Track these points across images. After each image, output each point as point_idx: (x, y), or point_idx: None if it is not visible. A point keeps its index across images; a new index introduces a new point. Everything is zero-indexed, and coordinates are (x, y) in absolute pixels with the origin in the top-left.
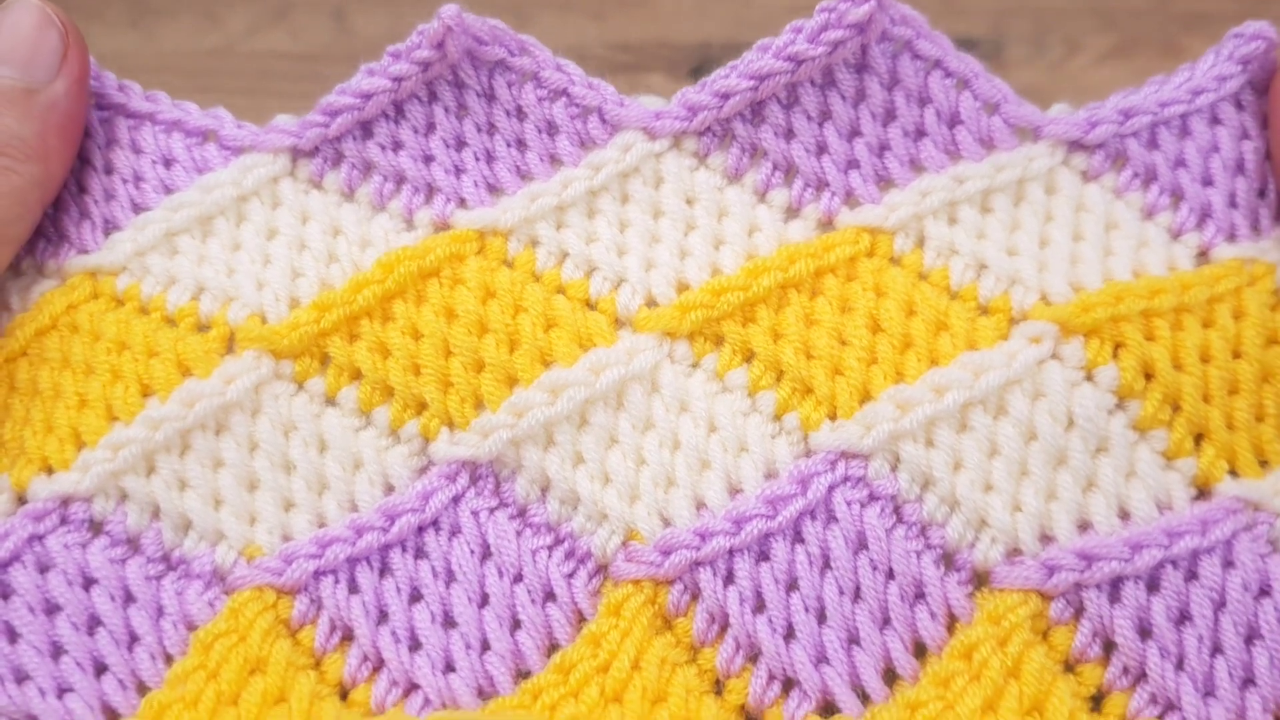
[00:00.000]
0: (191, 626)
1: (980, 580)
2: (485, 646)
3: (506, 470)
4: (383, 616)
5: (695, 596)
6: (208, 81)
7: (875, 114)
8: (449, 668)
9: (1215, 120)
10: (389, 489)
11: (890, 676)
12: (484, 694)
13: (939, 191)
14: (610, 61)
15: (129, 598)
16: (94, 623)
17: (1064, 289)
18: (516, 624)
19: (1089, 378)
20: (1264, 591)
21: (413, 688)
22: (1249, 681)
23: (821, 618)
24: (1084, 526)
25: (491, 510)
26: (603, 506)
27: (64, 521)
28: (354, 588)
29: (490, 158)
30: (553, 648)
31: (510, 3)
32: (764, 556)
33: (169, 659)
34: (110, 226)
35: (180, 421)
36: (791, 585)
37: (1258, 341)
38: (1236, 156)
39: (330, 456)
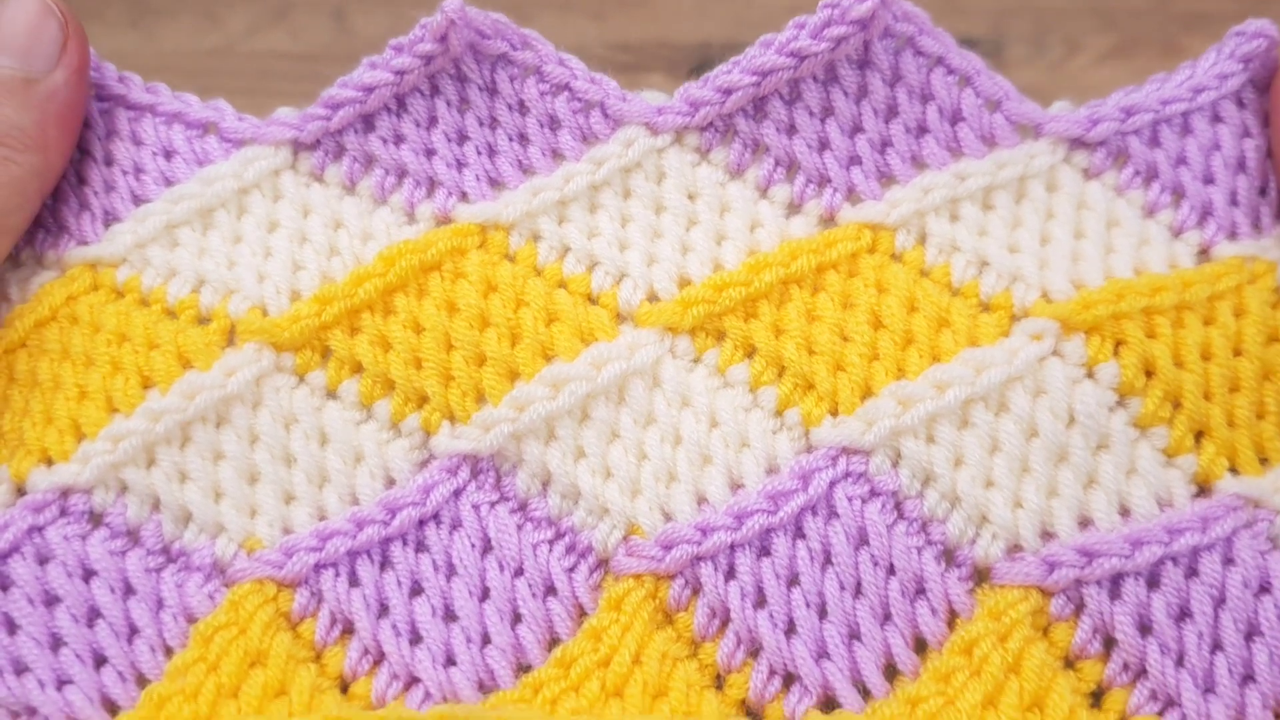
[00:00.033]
0: (191, 619)
1: (981, 576)
2: (486, 640)
3: (508, 464)
4: (383, 610)
5: (696, 591)
6: (208, 81)
7: (877, 110)
8: (450, 661)
9: (1216, 118)
10: (390, 482)
11: (891, 672)
12: (485, 688)
13: (941, 188)
14: (610, 61)
15: (129, 590)
16: (94, 615)
17: (1065, 286)
18: (517, 618)
19: (1090, 375)
20: (1264, 588)
21: (413, 681)
22: (1249, 678)
23: (822, 613)
24: (1085, 523)
25: (492, 504)
26: (604, 501)
27: (64, 513)
28: (354, 581)
29: (492, 152)
30: (553, 642)
31: (510, 2)
32: (765, 552)
33: (169, 651)
34: (110, 218)
35: (181, 414)
36: (792, 580)
37: (1258, 339)
38: (1238, 154)
39: (331, 449)
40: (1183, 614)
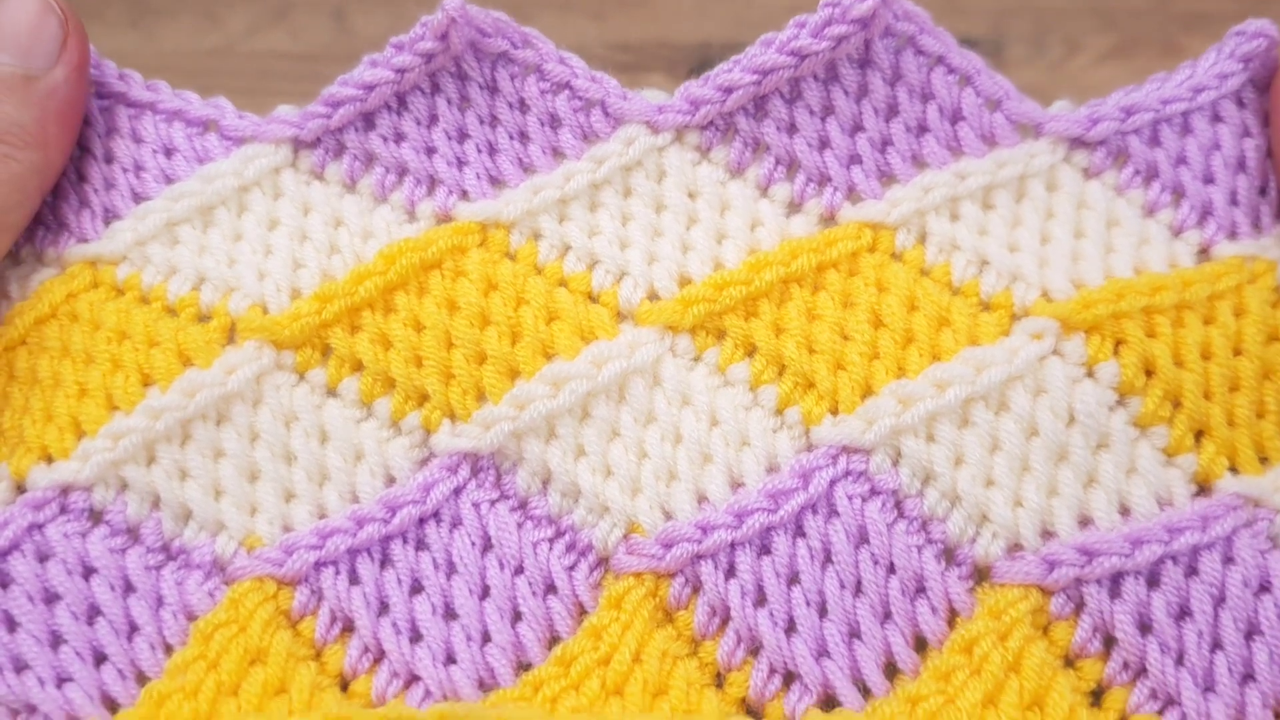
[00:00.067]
0: (191, 617)
1: (981, 575)
2: (486, 638)
3: (508, 462)
4: (383, 608)
5: (696, 590)
6: (208, 81)
7: (878, 109)
8: (450, 659)
9: (1216, 118)
10: (390, 480)
11: (891, 670)
12: (485, 686)
13: (941, 187)
14: (610, 61)
15: (129, 587)
16: (93, 612)
17: (1065, 285)
18: (517, 616)
19: (1090, 374)
20: (1264, 587)
21: (413, 679)
22: (1248, 677)
23: (823, 611)
24: (1085, 522)
25: (493, 502)
26: (604, 499)
27: (64, 510)
28: (355, 579)
29: (493, 150)
30: (554, 640)
31: (510, 2)
32: (765, 550)
33: (169, 649)
34: (110, 215)
35: (181, 411)
36: (793, 579)
37: (1258, 338)
38: (1238, 154)
39: (331, 447)
40: (1183, 613)
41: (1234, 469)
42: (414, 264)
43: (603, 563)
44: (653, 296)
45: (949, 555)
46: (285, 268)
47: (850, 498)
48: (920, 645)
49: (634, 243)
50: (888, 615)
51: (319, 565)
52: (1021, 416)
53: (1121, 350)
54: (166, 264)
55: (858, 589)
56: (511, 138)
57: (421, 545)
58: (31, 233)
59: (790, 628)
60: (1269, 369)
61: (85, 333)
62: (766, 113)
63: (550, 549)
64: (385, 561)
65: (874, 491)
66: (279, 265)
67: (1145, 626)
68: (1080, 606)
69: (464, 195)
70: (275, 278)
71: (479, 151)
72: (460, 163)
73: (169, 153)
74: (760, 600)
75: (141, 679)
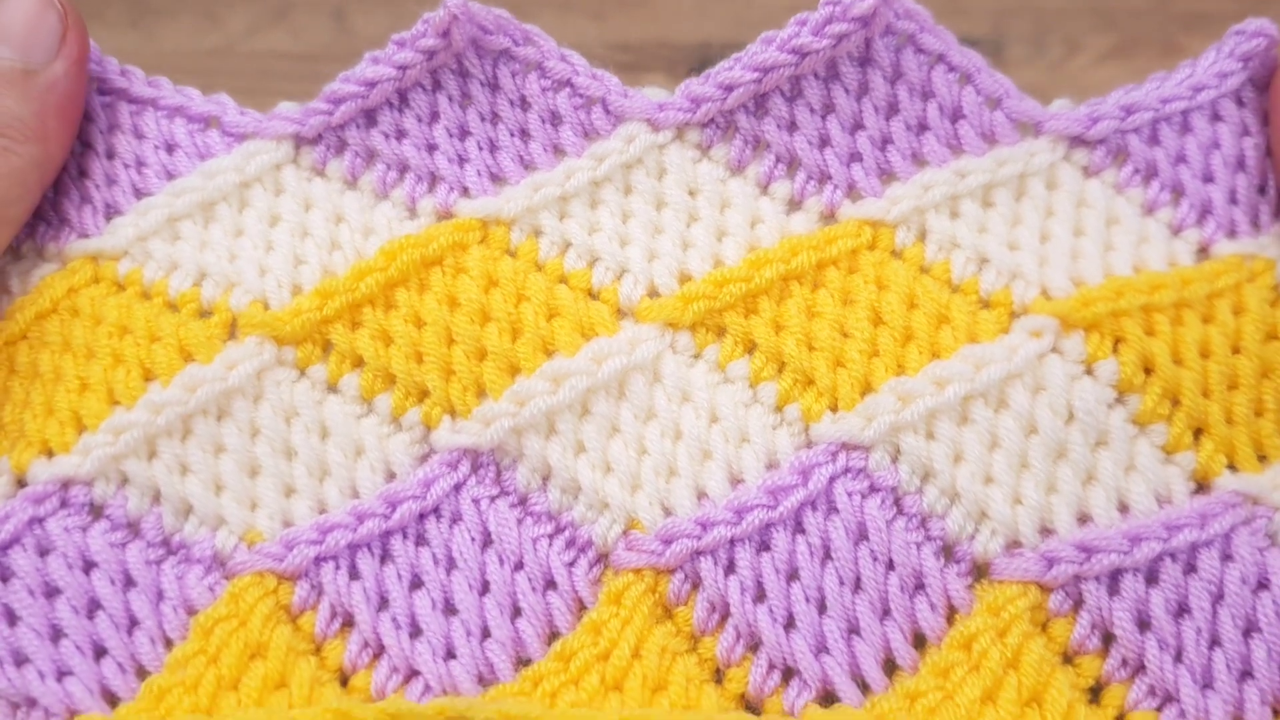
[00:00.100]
0: (192, 611)
1: (980, 572)
2: (486, 634)
3: (508, 458)
4: (383, 603)
5: (696, 586)
6: (208, 81)
7: (878, 107)
8: (449, 655)
9: (1216, 117)
10: (390, 476)
11: (890, 667)
12: (484, 681)
13: (941, 185)
14: (610, 61)
15: (129, 582)
16: (94, 606)
17: (1065, 284)
18: (517, 612)
19: (1089, 372)
20: (1262, 585)
21: (413, 674)
22: (1247, 674)
23: (822, 608)
24: (1084, 519)
25: (493, 498)
26: (604, 495)
27: (64, 505)
28: (355, 574)
29: (494, 147)
30: (553, 636)
31: (511, 2)
32: (765, 546)
33: (169, 643)
34: (111, 211)
35: (182, 406)
36: (792, 575)
37: (1257, 337)
38: (1237, 153)
39: (332, 443)
40: (1181, 610)
41: (1232, 467)
42: (415, 260)
43: (602, 559)
44: (653, 293)
45: (948, 552)
46: (286, 264)
47: (849, 494)
48: (919, 642)
49: (634, 240)
50: (887, 612)
51: (319, 560)
52: (1020, 414)
53: (1120, 348)
54: (168, 259)
55: (857, 585)
56: (512, 135)
57: (421, 541)
58: (32, 228)
59: (789, 624)
60: (1268, 367)
61: (86, 328)
62: (767, 110)
63: (550, 545)
64: (385, 557)
65: (873, 488)
66: (280, 261)
67: (1144, 623)
68: (1079, 603)
69: (465, 192)
70: (276, 273)
71: (480, 148)
72: (461, 159)
73: (170, 148)
74: (759, 596)
75: (142, 673)
